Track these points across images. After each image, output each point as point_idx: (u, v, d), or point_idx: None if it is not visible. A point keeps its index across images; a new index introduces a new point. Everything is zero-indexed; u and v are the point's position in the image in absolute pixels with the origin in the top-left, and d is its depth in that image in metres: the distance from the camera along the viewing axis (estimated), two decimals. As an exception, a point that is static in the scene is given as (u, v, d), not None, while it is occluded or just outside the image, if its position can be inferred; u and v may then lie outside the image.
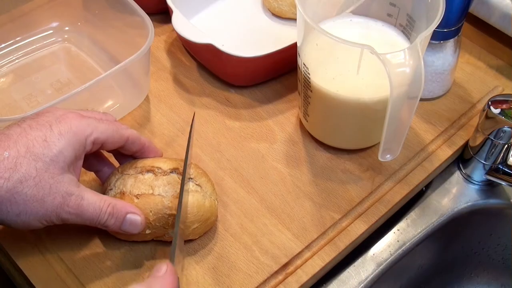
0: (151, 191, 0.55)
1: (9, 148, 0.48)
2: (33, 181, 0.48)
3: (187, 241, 0.58)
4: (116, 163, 0.60)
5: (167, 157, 0.60)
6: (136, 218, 0.53)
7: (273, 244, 0.58)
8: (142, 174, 0.56)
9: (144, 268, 0.56)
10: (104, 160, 0.59)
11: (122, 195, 0.55)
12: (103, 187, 0.58)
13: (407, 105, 0.55)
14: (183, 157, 0.64)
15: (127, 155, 0.58)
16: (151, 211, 0.54)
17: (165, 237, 0.56)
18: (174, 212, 0.54)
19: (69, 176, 0.50)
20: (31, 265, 0.56)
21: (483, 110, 0.63)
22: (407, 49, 0.52)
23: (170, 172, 0.56)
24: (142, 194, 0.54)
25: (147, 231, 0.55)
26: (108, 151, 0.58)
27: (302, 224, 0.60)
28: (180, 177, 0.56)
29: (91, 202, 0.51)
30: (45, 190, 0.48)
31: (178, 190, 0.55)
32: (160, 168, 0.56)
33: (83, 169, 0.56)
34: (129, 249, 0.58)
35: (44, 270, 0.56)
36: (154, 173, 0.56)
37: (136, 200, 0.54)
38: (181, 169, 0.56)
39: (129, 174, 0.56)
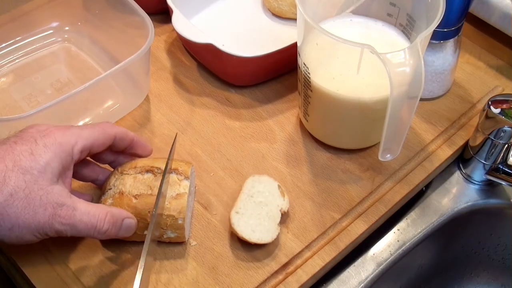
0: (150, 191, 0.54)
1: None
2: (23, 193, 0.48)
3: (186, 244, 0.58)
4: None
5: (166, 157, 0.60)
6: (131, 222, 0.53)
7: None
8: (142, 174, 0.56)
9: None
10: (97, 170, 0.59)
11: (121, 195, 0.55)
12: (102, 187, 0.58)
13: (407, 105, 0.55)
14: (183, 157, 0.65)
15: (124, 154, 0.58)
16: (149, 211, 0.54)
17: (163, 237, 0.56)
18: (172, 213, 0.54)
19: (59, 187, 0.50)
20: (32, 265, 0.56)
21: (483, 110, 0.63)
22: (407, 48, 0.52)
23: (170, 173, 0.56)
24: (141, 195, 0.54)
25: (145, 232, 0.55)
26: (99, 154, 0.57)
27: (302, 223, 0.60)
28: (180, 177, 0.56)
29: (85, 212, 0.50)
30: (36, 202, 0.48)
31: (177, 191, 0.55)
32: (159, 168, 0.56)
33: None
34: (128, 249, 0.58)
35: (44, 270, 0.56)
36: (153, 173, 0.56)
37: (134, 201, 0.54)
38: (180, 169, 0.57)
39: (128, 174, 0.56)
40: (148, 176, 0.56)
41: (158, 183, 0.55)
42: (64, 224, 0.49)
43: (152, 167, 0.56)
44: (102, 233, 0.51)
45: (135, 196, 0.54)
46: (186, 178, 0.56)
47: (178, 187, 0.55)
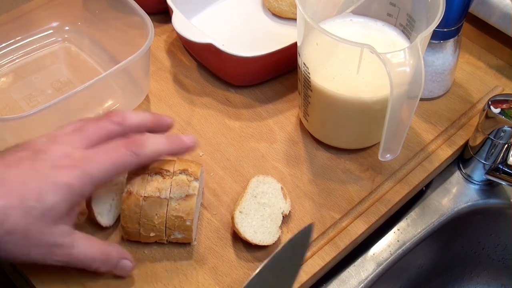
0: (158, 194, 0.54)
1: (1, 197, 0.47)
2: (21, 233, 0.47)
3: (186, 244, 0.58)
4: None
5: (174, 159, 0.59)
6: (127, 264, 0.54)
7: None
8: (150, 176, 0.55)
9: (146, 269, 0.56)
10: None
11: (129, 194, 0.54)
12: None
13: (407, 104, 0.55)
14: (184, 157, 0.64)
15: None
16: (156, 214, 0.54)
17: (170, 238, 0.56)
18: (180, 214, 0.54)
19: (61, 227, 0.49)
20: (31, 265, 0.56)
21: (483, 110, 0.63)
22: (407, 48, 0.52)
23: (179, 173, 0.56)
24: (149, 197, 0.54)
25: (151, 234, 0.55)
26: None
27: (302, 223, 0.60)
28: (189, 178, 0.55)
29: (82, 252, 0.51)
30: (32, 241, 0.48)
31: (187, 192, 0.55)
32: (168, 170, 0.56)
33: None
34: (130, 249, 0.57)
35: (44, 269, 0.56)
36: (162, 175, 0.55)
37: (142, 202, 0.54)
38: (190, 170, 0.56)
39: (137, 174, 0.56)
40: (157, 178, 0.55)
41: (166, 186, 0.55)
42: (59, 261, 0.50)
43: (161, 169, 0.56)
44: (92, 269, 0.53)
45: (144, 198, 0.54)
46: (196, 179, 0.56)
47: (187, 188, 0.55)
